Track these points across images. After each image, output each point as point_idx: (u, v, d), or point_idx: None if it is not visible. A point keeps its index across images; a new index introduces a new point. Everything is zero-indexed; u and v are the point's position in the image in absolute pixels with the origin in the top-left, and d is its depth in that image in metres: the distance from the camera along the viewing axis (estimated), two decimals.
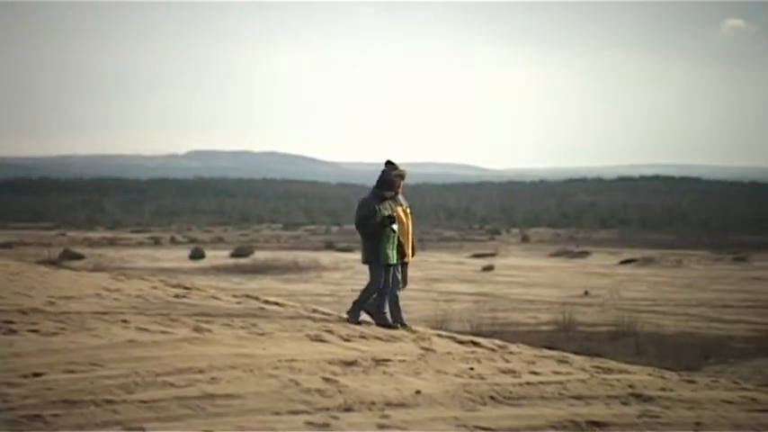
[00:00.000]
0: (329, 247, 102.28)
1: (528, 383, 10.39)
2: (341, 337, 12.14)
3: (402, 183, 13.29)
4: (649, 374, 12.04)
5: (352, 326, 13.05)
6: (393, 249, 12.92)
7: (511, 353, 12.62)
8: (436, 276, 71.90)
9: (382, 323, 13.03)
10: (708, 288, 66.91)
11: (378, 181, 13.10)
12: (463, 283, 67.14)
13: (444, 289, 62.12)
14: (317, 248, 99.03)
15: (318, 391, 9.27)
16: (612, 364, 12.67)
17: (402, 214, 13.18)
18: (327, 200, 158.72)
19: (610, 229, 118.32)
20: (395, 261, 13.03)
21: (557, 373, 11.25)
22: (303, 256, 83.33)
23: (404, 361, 10.99)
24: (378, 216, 12.77)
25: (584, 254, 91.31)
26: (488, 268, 77.77)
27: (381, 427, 8.48)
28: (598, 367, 12.09)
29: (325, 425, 8.34)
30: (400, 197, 13.34)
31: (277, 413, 8.61)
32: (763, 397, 11.26)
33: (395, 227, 12.90)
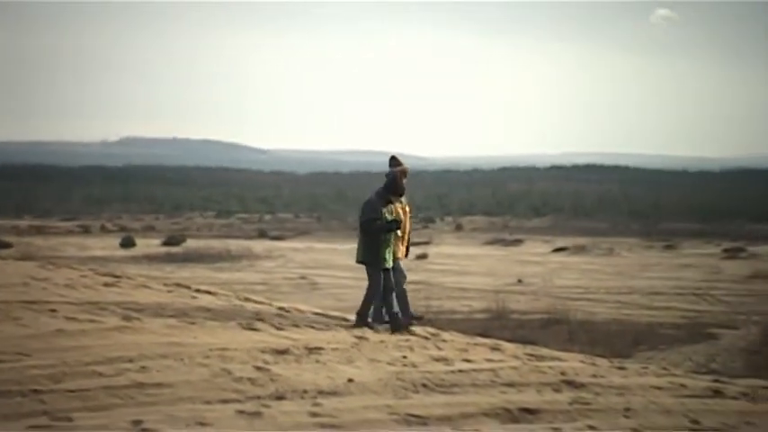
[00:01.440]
0: (262, 235, 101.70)
1: (460, 371, 10.39)
2: (273, 325, 12.06)
3: (404, 180, 13.08)
4: (581, 361, 12.12)
5: (297, 316, 12.96)
6: (390, 253, 12.72)
7: (444, 341, 12.63)
8: None
9: (400, 325, 12.64)
10: (639, 275, 67.55)
11: (386, 184, 12.88)
12: None
13: None
14: (249, 237, 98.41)
15: (250, 379, 9.20)
16: (545, 351, 12.74)
17: (401, 212, 12.95)
18: (260, 188, 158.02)
19: (543, 217, 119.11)
20: (390, 264, 12.83)
21: (489, 360, 11.27)
22: (236, 245, 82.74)
23: (337, 349, 10.95)
24: (383, 219, 12.58)
25: (517, 242, 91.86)
26: (422, 256, 77.86)
27: (313, 415, 8.43)
28: (530, 355, 12.14)
29: (257, 413, 8.28)
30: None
31: (208, 402, 8.53)
32: (693, 383, 11.39)
33: (399, 231, 12.69)
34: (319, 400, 8.83)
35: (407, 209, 13.08)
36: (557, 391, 10.09)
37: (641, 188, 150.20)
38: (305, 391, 9.04)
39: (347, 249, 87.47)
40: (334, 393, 9.10)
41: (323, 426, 8.22)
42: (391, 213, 12.68)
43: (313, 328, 12.32)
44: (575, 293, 54.69)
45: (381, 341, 11.90)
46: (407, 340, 12.20)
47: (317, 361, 10.25)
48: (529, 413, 9.18)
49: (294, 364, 10.00)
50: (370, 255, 12.65)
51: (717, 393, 10.79)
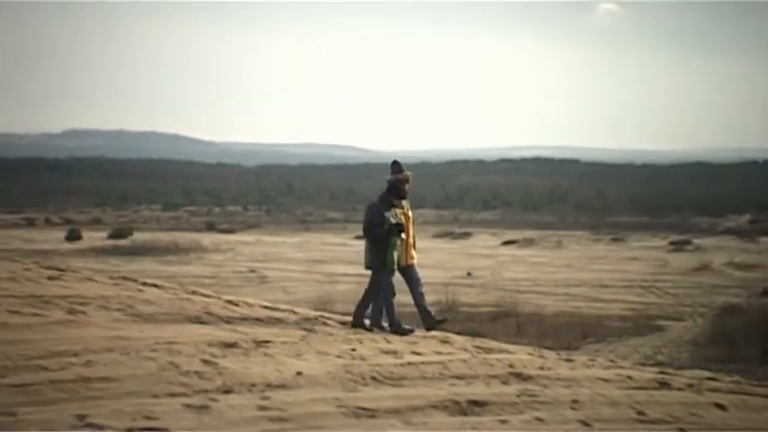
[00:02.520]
0: (210, 228, 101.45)
1: (409, 364, 10.38)
2: (221, 318, 11.97)
3: (407, 186, 12.94)
4: (529, 354, 12.16)
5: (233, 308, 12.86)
6: (396, 256, 12.58)
7: (392, 332, 12.60)
8: (320, 258, 71.86)
9: (400, 330, 12.44)
10: (587, 268, 68.17)
11: (388, 188, 12.77)
12: (347, 264, 67.14)
13: (328, 270, 62.09)
14: (197, 230, 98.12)
15: (197, 373, 9.12)
16: (493, 344, 12.77)
17: (402, 217, 12.79)
18: (208, 180, 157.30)
19: (492, 210, 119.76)
20: (395, 269, 12.61)
21: (438, 353, 11.28)
22: (183, 238, 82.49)
23: (285, 342, 10.89)
24: (386, 223, 12.49)
25: (466, 235, 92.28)
26: None
27: (262, 408, 8.38)
28: (479, 347, 12.16)
29: (204, 407, 8.21)
30: (403, 201, 12.85)
31: (155, 396, 8.45)
32: (639, 375, 11.47)
33: (403, 235, 12.54)
34: (267, 394, 8.78)
35: (410, 214, 12.92)
36: (505, 383, 10.13)
37: (589, 181, 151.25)
38: (253, 385, 8.98)
39: (296, 242, 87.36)
40: (282, 387, 9.06)
41: (271, 419, 8.18)
42: (395, 217, 12.48)
43: (262, 321, 12.24)
44: (523, 286, 55.03)
45: (330, 334, 11.86)
46: (356, 333, 12.18)
47: (266, 354, 10.19)
48: (477, 405, 9.20)
49: (242, 358, 9.93)
50: (377, 259, 12.49)
51: (663, 385, 10.88)
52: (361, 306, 12.82)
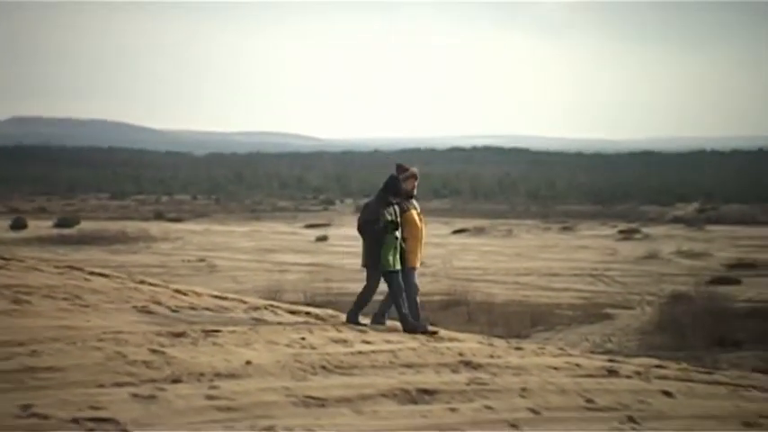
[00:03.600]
0: (159, 217, 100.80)
1: (360, 353, 10.36)
2: (169, 308, 11.87)
3: (416, 183, 12.56)
4: (479, 342, 12.18)
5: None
6: (394, 256, 12.36)
7: (343, 322, 12.57)
8: (270, 247, 71.64)
9: (412, 329, 12.11)
10: (537, 257, 68.54)
11: (385, 184, 12.56)
12: (297, 253, 67.07)
13: (278, 259, 61.94)
14: (146, 218, 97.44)
15: (145, 362, 9.03)
16: (443, 332, 12.76)
17: (416, 218, 12.45)
18: (157, 169, 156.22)
19: (442, 198, 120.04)
20: (394, 268, 12.25)
21: (388, 342, 11.26)
22: (132, 227, 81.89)
23: (234, 332, 10.82)
24: (381, 221, 12.28)
25: None
26: (322, 238, 77.92)
27: (210, 398, 8.32)
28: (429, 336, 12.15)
29: (152, 397, 8.13)
30: (414, 201, 12.63)
31: (101, 385, 8.35)
32: (588, 362, 11.52)
33: (398, 233, 12.32)
34: (216, 383, 8.72)
35: (421, 216, 12.67)
36: (455, 371, 10.13)
37: (539, 170, 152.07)
38: (201, 374, 8.91)
39: (246, 231, 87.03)
40: (231, 376, 9.00)
41: (219, 408, 8.12)
42: (392, 215, 12.23)
43: (210, 310, 12.16)
44: (474, 275, 55.21)
45: (280, 323, 11.80)
46: (306, 322, 12.13)
47: (214, 344, 10.11)
48: (427, 394, 9.20)
49: (190, 347, 9.85)
50: (374, 258, 12.27)
51: (611, 373, 10.93)
52: (384, 305, 12.49)
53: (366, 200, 12.65)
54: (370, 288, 12.44)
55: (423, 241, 12.56)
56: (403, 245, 12.25)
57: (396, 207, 12.29)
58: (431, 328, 12.24)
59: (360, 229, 12.35)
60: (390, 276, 12.23)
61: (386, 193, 12.36)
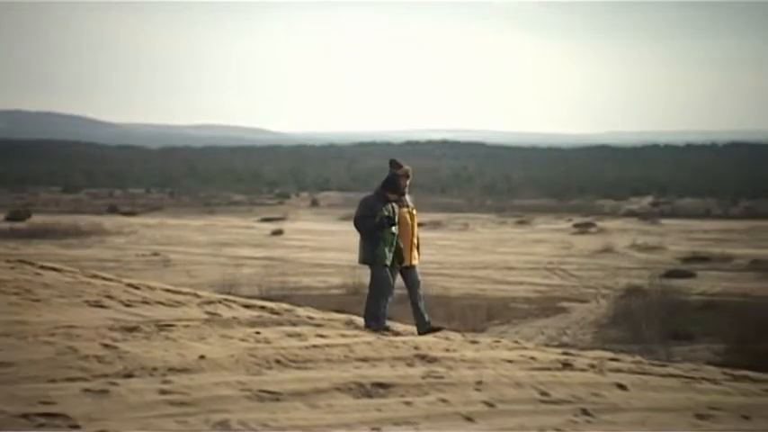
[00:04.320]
0: (112, 210, 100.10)
1: (315, 346, 10.32)
2: (122, 302, 11.77)
3: (407, 182, 12.48)
4: (434, 336, 12.17)
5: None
6: (391, 251, 12.11)
7: (298, 316, 12.53)
8: (225, 241, 71.37)
9: (374, 326, 11.98)
10: (493, 251, 68.80)
11: (384, 181, 12.38)
12: (252, 247, 66.90)
13: (233, 253, 61.71)
14: (98, 212, 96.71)
15: (97, 357, 8.95)
16: (399, 326, 12.76)
17: (407, 216, 12.36)
18: (110, 162, 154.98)
19: None
20: (388, 263, 12.13)
21: (344, 335, 11.24)
22: (84, 220, 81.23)
23: (188, 326, 10.75)
24: (378, 216, 12.08)
25: None
26: (278, 232, 77.78)
27: (163, 392, 8.25)
28: (385, 329, 12.12)
29: (104, 391, 8.06)
30: (406, 198, 12.54)
31: (53, 380, 8.27)
32: (543, 356, 11.55)
33: (394, 229, 12.22)
34: (169, 378, 8.65)
35: (414, 213, 12.61)
36: (410, 365, 10.11)
37: (495, 164, 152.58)
38: (154, 369, 8.84)
39: (200, 225, 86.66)
40: (184, 370, 8.93)
41: (173, 403, 8.06)
42: (390, 212, 12.12)
43: (163, 304, 12.07)
44: (430, 269, 55.26)
45: (234, 317, 11.73)
46: (260, 316, 12.07)
47: (168, 338, 10.04)
48: (382, 387, 9.18)
49: (144, 342, 9.78)
50: (369, 254, 12.13)
51: (566, 366, 10.97)
52: (382, 306, 12.27)
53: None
54: (377, 285, 12.28)
55: (414, 239, 12.46)
56: (400, 243, 12.20)
57: (393, 204, 12.20)
58: (382, 326, 12.07)
59: (356, 225, 12.23)
60: (378, 271, 12.13)
61: (384, 190, 12.29)
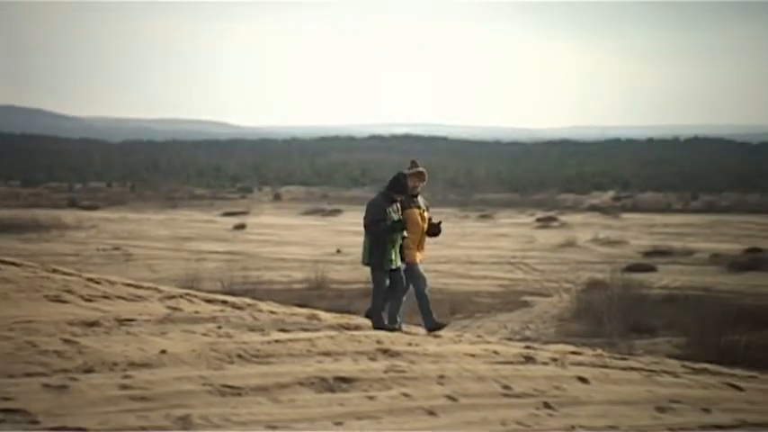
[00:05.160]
0: (72, 204, 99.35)
1: (277, 341, 10.29)
2: (82, 297, 11.67)
3: (422, 184, 12.44)
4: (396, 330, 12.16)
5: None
6: (397, 254, 12.08)
7: (260, 311, 12.49)
8: (187, 235, 71.02)
9: (380, 326, 12.00)
10: (455, 245, 68.82)
11: (390, 181, 12.24)
12: (215, 241, 66.61)
13: (195, 248, 61.44)
14: (59, 206, 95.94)
15: (57, 352, 8.87)
16: (361, 320, 12.74)
17: (418, 217, 12.34)
18: (70, 156, 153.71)
19: (361, 187, 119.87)
20: (397, 266, 12.13)
21: (306, 330, 11.20)
22: (44, 215, 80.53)
23: (149, 321, 10.69)
24: (388, 220, 11.97)
25: (336, 212, 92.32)
26: (240, 227, 77.48)
27: (124, 387, 8.20)
28: (347, 324, 12.12)
29: (63, 387, 7.99)
30: (419, 198, 12.51)
31: (11, 376, 8.19)
32: (505, 349, 11.58)
33: (405, 233, 12.16)
34: (130, 373, 8.60)
35: (426, 214, 12.53)
36: (372, 359, 10.10)
37: (458, 159, 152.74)
38: (115, 364, 8.78)
39: (162, 219, 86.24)
40: (145, 365, 8.88)
41: (133, 398, 8.01)
42: (397, 212, 12.07)
43: (124, 299, 11.99)
44: None
45: (196, 312, 11.68)
46: (222, 311, 12.02)
47: (129, 333, 9.98)
48: (344, 382, 9.17)
49: (104, 337, 9.71)
50: (376, 256, 12.03)
51: (528, 359, 11.00)
52: (394, 306, 12.31)
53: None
54: (378, 288, 12.22)
55: (423, 240, 12.43)
56: (409, 241, 12.16)
57: (398, 205, 12.11)
58: (388, 325, 12.05)
59: (366, 228, 12.12)
60: (379, 273, 12.09)
61: (390, 191, 12.20)
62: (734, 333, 31.53)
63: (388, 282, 12.13)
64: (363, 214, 12.21)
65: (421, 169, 12.49)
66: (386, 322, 12.09)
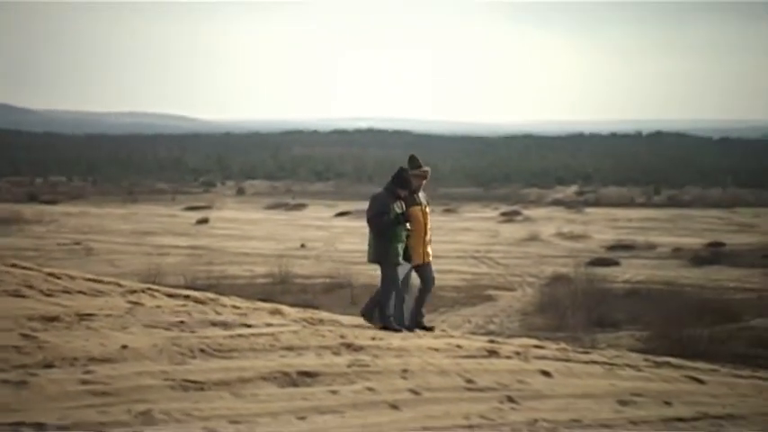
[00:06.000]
0: (32, 198, 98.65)
1: (239, 335, 10.24)
2: (42, 292, 11.55)
3: (424, 182, 12.39)
4: (361, 325, 12.15)
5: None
6: (401, 248, 12.00)
7: (223, 305, 12.42)
8: (148, 229, 70.68)
9: (386, 325, 11.89)
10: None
11: (393, 177, 12.19)
12: (177, 236, 66.34)
13: (157, 242, 61.16)
14: (18, 200, 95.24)
15: (16, 347, 8.78)
16: (325, 315, 12.72)
17: (420, 214, 12.25)
18: (30, 149, 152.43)
19: (325, 181, 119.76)
20: (401, 261, 12.05)
21: (269, 324, 11.16)
22: (3, 209, 79.93)
23: (110, 315, 10.59)
24: (391, 214, 11.92)
25: (300, 206, 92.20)
26: (203, 221, 77.20)
27: (84, 382, 8.12)
28: (310, 318, 12.08)
29: (23, 382, 7.91)
30: (421, 195, 12.44)
31: None
32: (468, 343, 11.59)
33: (408, 225, 12.09)
34: (90, 368, 8.52)
35: (427, 210, 12.47)
36: (336, 354, 10.08)
37: (421, 153, 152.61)
38: (75, 359, 8.70)
39: (123, 214, 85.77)
40: (106, 360, 8.80)
41: (94, 393, 7.94)
42: (401, 208, 12.00)
43: (85, 294, 11.87)
44: (358, 257, 55.23)
45: (158, 306, 11.59)
46: (185, 306, 11.93)
47: (89, 328, 9.89)
48: (308, 376, 9.14)
49: (64, 332, 9.62)
50: (382, 252, 11.97)
51: (492, 353, 11.01)
52: (396, 307, 12.17)
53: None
54: (390, 283, 12.14)
55: (427, 237, 12.38)
56: (411, 239, 12.11)
57: (402, 201, 12.05)
58: (397, 325, 11.97)
59: (369, 223, 12.10)
60: (389, 269, 12.03)
61: (394, 186, 12.16)
62: (696, 326, 31.81)
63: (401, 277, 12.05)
64: (367, 209, 12.19)
65: (426, 169, 12.48)
66: (393, 322, 11.99)
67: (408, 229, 12.08)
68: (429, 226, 12.46)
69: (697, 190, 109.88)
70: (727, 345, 31.04)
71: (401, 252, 12.06)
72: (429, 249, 12.47)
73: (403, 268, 12.17)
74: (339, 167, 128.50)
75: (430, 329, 12.46)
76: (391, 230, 11.99)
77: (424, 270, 12.38)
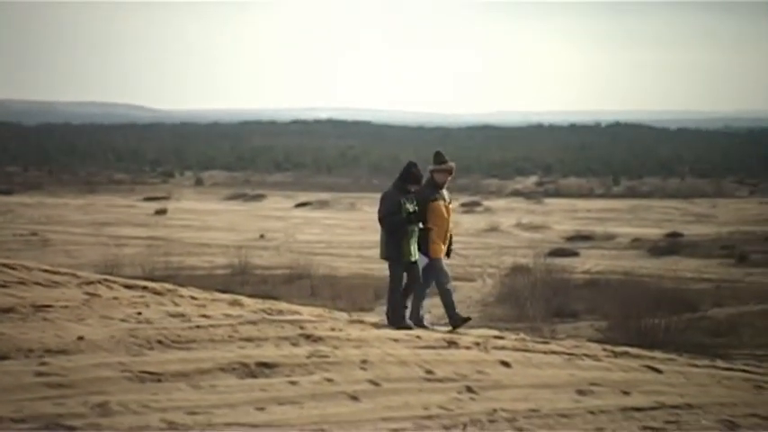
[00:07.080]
0: None
1: (198, 327, 10.19)
2: None
3: (449, 177, 12.43)
4: (320, 315, 12.12)
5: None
6: (414, 246, 11.95)
7: (181, 296, 12.33)
8: (106, 220, 70.15)
9: (399, 324, 11.79)
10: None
11: (402, 173, 12.14)
12: (135, 227, 65.90)
13: (115, 233, 60.74)
14: None
15: None
16: (284, 306, 12.68)
17: (444, 210, 12.25)
18: None
19: (285, 172, 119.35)
20: (415, 258, 12.00)
21: (228, 315, 11.10)
22: None
23: (66, 307, 10.50)
24: (403, 212, 11.83)
25: (259, 197, 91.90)
26: (161, 212, 76.75)
27: (39, 374, 8.06)
28: (270, 309, 12.04)
29: None
30: (444, 191, 12.44)
31: None
32: (428, 334, 11.59)
33: (420, 225, 11.96)
34: (46, 360, 8.46)
35: (450, 206, 12.38)
36: (295, 345, 10.06)
37: (382, 144, 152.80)
38: (30, 351, 8.63)
39: (80, 204, 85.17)
40: (62, 352, 8.74)
41: (50, 385, 7.87)
42: (412, 203, 11.93)
43: (41, 285, 11.75)
44: (317, 248, 55.20)
45: (115, 297, 11.49)
46: (142, 297, 11.85)
47: (45, 319, 9.80)
48: (266, 367, 9.12)
49: (20, 323, 9.53)
50: (393, 250, 11.89)
51: (451, 344, 11.03)
52: (411, 304, 12.17)
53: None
54: (395, 281, 12.10)
55: (450, 232, 12.37)
56: (433, 235, 12.04)
57: (412, 196, 11.96)
58: (408, 322, 11.92)
59: (381, 222, 12.01)
60: (396, 267, 12.00)
61: (403, 182, 12.04)
62: (654, 316, 31.98)
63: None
64: (378, 208, 12.13)
65: (451, 164, 12.45)
66: (408, 320, 11.94)
67: (423, 228, 12.00)
68: (451, 223, 12.43)
69: (656, 180, 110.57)
70: (684, 334, 31.26)
71: (414, 251, 11.99)
72: (445, 246, 12.45)
73: (421, 261, 12.13)
74: (298, 158, 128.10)
75: (467, 319, 12.60)
76: (403, 229, 11.90)
77: (433, 266, 12.39)
